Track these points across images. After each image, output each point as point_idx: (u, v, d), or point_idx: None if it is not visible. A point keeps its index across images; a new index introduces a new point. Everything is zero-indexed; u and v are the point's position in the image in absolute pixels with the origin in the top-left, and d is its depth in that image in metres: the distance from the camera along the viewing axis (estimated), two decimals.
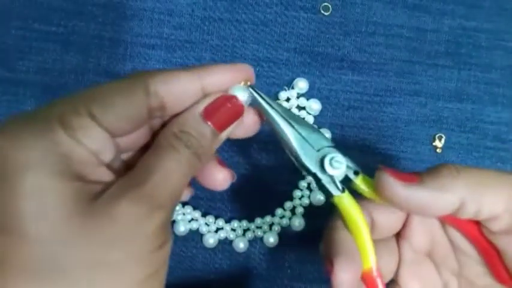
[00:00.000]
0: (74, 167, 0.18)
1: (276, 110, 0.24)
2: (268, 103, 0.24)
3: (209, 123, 0.21)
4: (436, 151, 0.36)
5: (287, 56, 0.36)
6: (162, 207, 0.19)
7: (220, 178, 0.24)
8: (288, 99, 0.36)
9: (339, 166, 0.24)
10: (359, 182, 0.24)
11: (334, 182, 0.24)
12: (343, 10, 0.36)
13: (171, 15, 0.36)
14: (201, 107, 0.21)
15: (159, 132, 0.21)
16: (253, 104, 0.24)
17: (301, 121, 0.25)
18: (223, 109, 0.22)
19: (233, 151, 0.35)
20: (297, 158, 0.24)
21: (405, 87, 0.36)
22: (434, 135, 0.36)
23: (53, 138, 0.18)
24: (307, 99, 0.35)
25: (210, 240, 0.34)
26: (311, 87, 0.36)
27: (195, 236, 0.35)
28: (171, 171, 0.19)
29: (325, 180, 0.24)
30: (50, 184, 0.17)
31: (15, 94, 0.35)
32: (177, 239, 0.35)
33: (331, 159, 0.24)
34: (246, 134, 0.24)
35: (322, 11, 0.36)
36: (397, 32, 0.37)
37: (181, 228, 0.34)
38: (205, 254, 0.35)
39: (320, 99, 0.36)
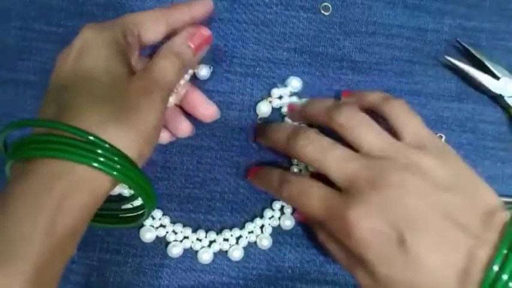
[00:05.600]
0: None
1: None
2: None
3: (191, 44, 0.31)
4: None
5: (287, 56, 0.36)
6: (161, 88, 0.28)
7: (183, 128, 0.34)
8: (280, 97, 0.35)
9: None
10: None
11: None
12: (343, 10, 0.36)
13: None
14: (185, 34, 0.31)
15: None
16: None
17: None
18: (199, 35, 0.31)
19: (233, 151, 0.35)
20: None
21: (405, 87, 0.36)
22: None
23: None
24: (300, 99, 0.35)
25: (205, 256, 0.34)
26: (311, 87, 0.36)
27: (189, 254, 0.35)
28: (166, 67, 0.29)
29: None
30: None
31: (15, 94, 0.35)
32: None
33: None
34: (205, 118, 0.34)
35: (322, 11, 0.36)
36: (397, 32, 0.37)
37: (174, 251, 0.34)
38: None
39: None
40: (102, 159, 0.24)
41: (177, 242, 0.34)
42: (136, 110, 0.26)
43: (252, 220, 0.35)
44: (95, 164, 0.24)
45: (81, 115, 0.25)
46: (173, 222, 0.35)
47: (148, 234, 0.34)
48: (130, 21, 0.29)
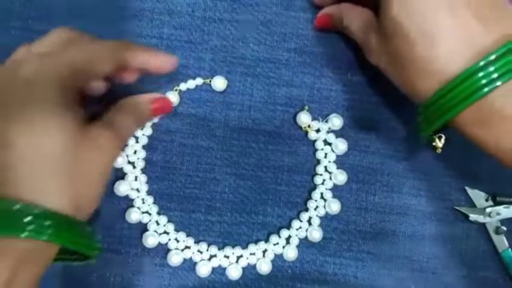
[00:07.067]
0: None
1: None
2: None
3: (151, 107, 0.32)
4: (436, 151, 0.36)
5: (287, 56, 0.36)
6: (118, 141, 0.29)
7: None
8: (318, 130, 0.35)
9: None
10: None
11: None
12: None
13: (171, 16, 0.36)
14: (150, 96, 0.33)
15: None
16: None
17: None
18: (161, 103, 0.33)
19: (233, 151, 0.35)
20: None
21: None
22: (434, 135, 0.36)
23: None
24: (336, 137, 0.35)
25: (203, 270, 0.34)
26: (310, 87, 0.36)
27: (188, 264, 0.35)
28: (126, 123, 0.30)
29: None
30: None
31: None
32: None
33: None
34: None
35: None
36: None
37: (174, 259, 0.34)
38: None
39: (320, 99, 0.36)
40: (31, 226, 0.24)
41: (178, 251, 0.34)
42: (86, 162, 0.26)
43: (256, 242, 0.35)
44: (23, 235, 0.23)
45: (19, 177, 0.24)
46: (177, 229, 0.35)
47: (150, 240, 0.34)
48: (78, 56, 0.28)
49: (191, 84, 0.35)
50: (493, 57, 0.25)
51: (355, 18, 0.32)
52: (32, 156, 0.24)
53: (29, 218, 0.23)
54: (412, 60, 0.27)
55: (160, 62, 0.30)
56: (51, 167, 0.25)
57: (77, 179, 0.26)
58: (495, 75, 0.25)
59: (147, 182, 0.35)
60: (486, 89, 0.25)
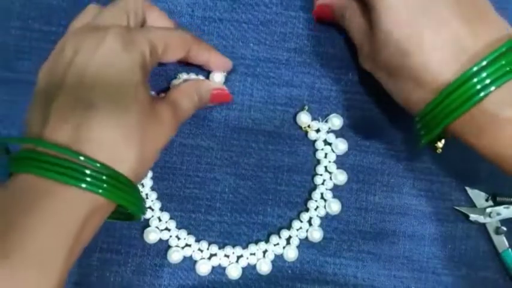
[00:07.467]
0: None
1: None
2: None
3: (213, 94, 0.34)
4: (436, 151, 0.36)
5: (287, 56, 0.36)
6: (177, 121, 0.31)
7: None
8: (318, 130, 0.35)
9: None
10: None
11: None
12: None
13: (171, 16, 0.36)
14: (214, 85, 0.34)
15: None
16: None
17: None
18: (223, 95, 0.35)
19: (233, 151, 0.35)
20: None
21: None
22: None
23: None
24: (336, 137, 0.35)
25: (202, 268, 0.34)
26: (311, 87, 0.36)
27: (188, 262, 0.35)
28: (189, 107, 0.32)
29: None
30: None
31: (16, 94, 0.35)
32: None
33: None
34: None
35: None
36: None
37: (174, 257, 0.34)
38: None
39: (320, 99, 0.36)
40: (89, 178, 0.25)
41: (178, 248, 0.34)
42: (150, 135, 0.28)
43: (256, 242, 0.35)
44: (83, 185, 0.25)
45: (93, 136, 0.26)
46: (179, 227, 0.35)
47: (152, 235, 0.34)
48: (159, 39, 0.30)
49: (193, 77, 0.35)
50: (484, 63, 0.25)
51: (354, 17, 0.32)
52: (108, 120, 0.26)
53: (88, 171, 0.25)
54: (405, 71, 0.27)
55: (219, 63, 0.34)
56: (124, 133, 0.26)
57: (142, 149, 0.27)
58: (488, 81, 0.25)
59: (152, 178, 0.35)
60: (482, 94, 0.25)
